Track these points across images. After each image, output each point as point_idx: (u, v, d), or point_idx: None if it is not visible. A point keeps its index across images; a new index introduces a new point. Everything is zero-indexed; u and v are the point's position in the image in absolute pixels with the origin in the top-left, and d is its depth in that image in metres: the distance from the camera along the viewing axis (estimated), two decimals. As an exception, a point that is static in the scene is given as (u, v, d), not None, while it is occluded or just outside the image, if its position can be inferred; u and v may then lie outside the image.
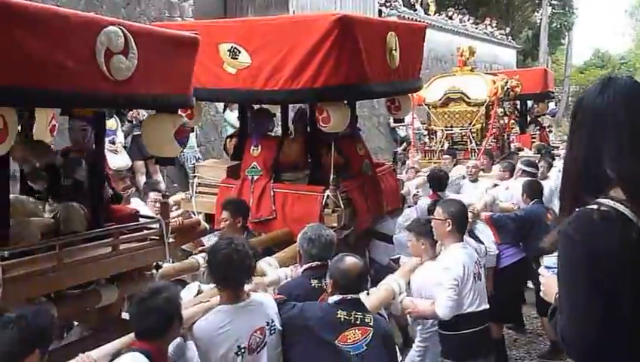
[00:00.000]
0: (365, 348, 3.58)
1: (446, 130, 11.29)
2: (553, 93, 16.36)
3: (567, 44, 45.43)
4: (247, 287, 3.71)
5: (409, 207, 7.77)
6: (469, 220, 5.53)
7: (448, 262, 4.84)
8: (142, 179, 10.41)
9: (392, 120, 17.36)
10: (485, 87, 11.04)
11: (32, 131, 4.66)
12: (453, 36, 26.11)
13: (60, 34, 3.35)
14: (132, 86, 3.75)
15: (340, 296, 3.70)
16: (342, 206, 5.89)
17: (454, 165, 10.22)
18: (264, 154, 6.28)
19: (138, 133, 9.51)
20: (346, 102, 5.99)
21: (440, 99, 11.31)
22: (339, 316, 3.63)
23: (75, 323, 4.44)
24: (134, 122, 9.95)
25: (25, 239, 3.75)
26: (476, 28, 30.63)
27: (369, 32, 5.91)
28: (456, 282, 4.72)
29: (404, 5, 24.18)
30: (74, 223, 4.10)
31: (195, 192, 6.68)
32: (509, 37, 35.26)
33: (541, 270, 2.41)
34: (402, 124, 15.96)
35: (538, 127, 14.94)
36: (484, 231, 6.67)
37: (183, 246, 5.68)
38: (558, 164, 10.69)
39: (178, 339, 3.34)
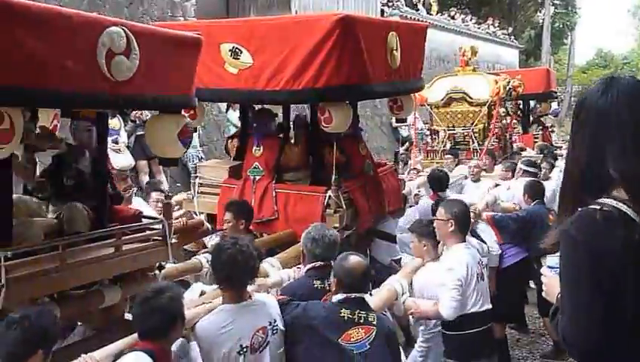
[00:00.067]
0: (368, 346, 3.58)
1: (448, 130, 11.30)
2: (556, 93, 16.34)
3: (569, 44, 45.38)
4: (249, 288, 3.72)
5: (410, 206, 7.77)
6: (471, 220, 5.53)
7: (451, 262, 4.84)
8: (145, 179, 10.43)
9: (394, 120, 17.35)
10: (487, 87, 11.05)
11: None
12: (456, 36, 26.08)
13: (61, 34, 3.34)
14: (132, 86, 3.74)
15: (344, 295, 3.71)
16: (344, 206, 5.89)
17: (456, 165, 10.22)
18: (266, 155, 6.28)
19: (141, 132, 9.53)
20: (347, 102, 5.98)
21: (442, 99, 11.32)
22: (342, 315, 3.63)
23: (79, 323, 4.45)
24: (137, 122, 9.96)
25: (28, 239, 3.75)
26: (479, 28, 30.59)
27: (370, 32, 5.90)
28: (459, 282, 4.73)
29: (406, 5, 24.15)
30: (77, 223, 4.10)
31: (197, 192, 6.69)
32: (512, 37, 35.20)
33: (543, 270, 2.40)
34: (405, 124, 15.94)
35: (540, 127, 14.92)
36: (486, 231, 6.68)
37: (185, 247, 5.68)
38: (561, 164, 10.71)
39: (181, 339, 3.35)
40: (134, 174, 10.28)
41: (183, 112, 4.53)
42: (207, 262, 4.55)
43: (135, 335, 3.16)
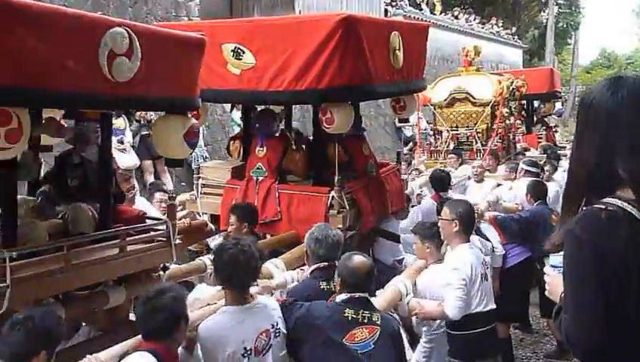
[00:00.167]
0: (373, 346, 3.59)
1: (451, 131, 11.28)
2: (560, 93, 16.32)
3: (573, 44, 45.36)
4: (253, 290, 3.73)
5: (412, 206, 7.78)
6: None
7: (456, 262, 4.85)
8: (150, 179, 10.44)
9: (397, 120, 17.38)
10: (491, 87, 11.03)
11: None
12: (459, 36, 26.06)
13: (63, 34, 3.33)
14: (133, 87, 3.72)
15: (348, 295, 3.72)
16: (347, 207, 5.89)
17: (460, 164, 10.22)
18: (269, 155, 6.27)
19: (146, 132, 9.56)
20: (349, 102, 5.97)
21: (445, 100, 11.29)
22: (346, 314, 3.63)
23: (83, 324, 4.45)
24: (142, 122, 9.97)
25: (33, 240, 3.75)
26: (482, 27, 30.58)
27: (373, 32, 5.89)
28: (464, 282, 4.74)
29: (410, 5, 24.14)
30: (82, 224, 4.11)
31: (200, 193, 6.69)
32: (515, 36, 35.18)
33: (546, 269, 2.40)
34: (408, 124, 15.95)
35: (544, 127, 14.91)
36: (489, 230, 6.70)
37: (189, 247, 5.69)
38: (564, 164, 10.71)
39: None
40: (139, 174, 10.31)
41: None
42: (211, 262, 4.56)
43: (139, 336, 3.17)
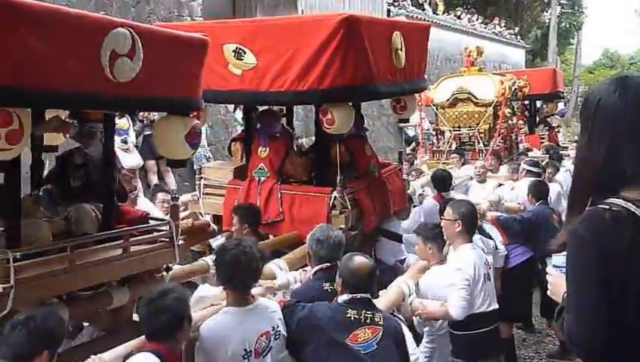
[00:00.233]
0: (376, 346, 3.58)
1: (454, 131, 11.27)
2: (562, 93, 16.29)
3: (576, 44, 45.27)
4: (256, 291, 3.74)
5: (415, 206, 7.78)
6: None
7: (459, 262, 4.87)
8: (153, 179, 10.50)
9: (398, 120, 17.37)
10: (493, 88, 11.03)
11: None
12: (462, 36, 26.04)
13: (66, 34, 3.31)
14: (134, 88, 3.71)
15: (350, 295, 3.71)
16: (349, 207, 5.89)
17: (462, 164, 10.23)
18: (271, 156, 6.26)
19: (149, 132, 9.57)
20: (350, 103, 5.97)
21: (448, 100, 11.29)
22: (349, 315, 3.63)
23: (85, 324, 4.46)
24: (145, 122, 9.99)
25: (37, 240, 3.75)
26: (485, 27, 30.55)
27: (375, 31, 5.87)
28: (468, 282, 4.75)
29: (412, 5, 24.13)
30: (85, 225, 4.11)
31: (202, 194, 6.69)
32: (518, 37, 35.14)
33: (549, 269, 2.41)
34: (409, 124, 15.94)
35: (547, 128, 14.90)
36: (492, 230, 6.70)
37: (192, 248, 5.69)
38: (567, 164, 10.72)
39: None
40: (143, 174, 10.33)
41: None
42: (214, 263, 4.56)
43: (143, 337, 3.18)
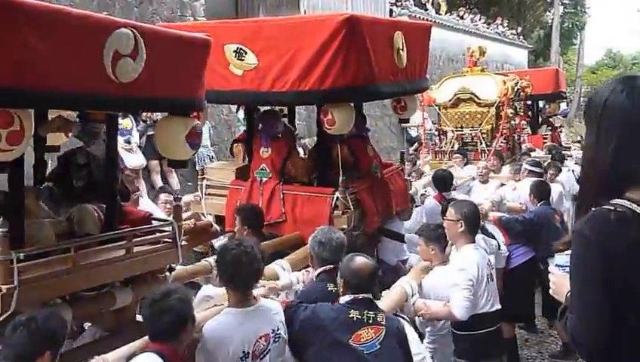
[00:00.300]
0: (379, 346, 3.59)
1: (456, 131, 11.26)
2: (565, 93, 16.30)
3: (578, 44, 45.19)
4: (259, 292, 3.74)
5: (416, 206, 7.78)
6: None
7: (463, 263, 4.87)
8: (157, 178, 10.52)
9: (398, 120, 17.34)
10: (495, 88, 11.02)
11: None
12: (465, 36, 26.05)
13: (68, 35, 3.30)
14: (137, 88, 3.70)
15: (352, 296, 3.72)
16: (351, 207, 5.88)
17: (465, 164, 10.23)
18: (273, 156, 6.25)
19: (152, 132, 9.57)
20: (352, 103, 5.96)
21: (450, 100, 11.27)
22: (351, 315, 3.64)
23: (87, 324, 4.46)
24: (149, 122, 10.00)
25: (40, 241, 3.76)
26: (487, 28, 30.53)
27: (376, 31, 5.85)
28: (471, 282, 4.76)
29: (415, 5, 24.12)
30: (87, 225, 4.11)
31: (205, 194, 6.69)
32: (521, 37, 35.11)
33: (551, 268, 2.41)
34: (409, 124, 15.94)
35: (550, 128, 14.90)
36: (495, 231, 6.71)
37: (195, 248, 5.69)
38: (570, 164, 10.73)
39: None
40: (146, 174, 10.36)
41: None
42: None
43: (146, 337, 3.19)
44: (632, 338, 2.00)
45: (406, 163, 8.83)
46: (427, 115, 12.82)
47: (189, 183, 10.81)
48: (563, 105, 17.67)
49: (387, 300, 4.36)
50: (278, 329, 3.61)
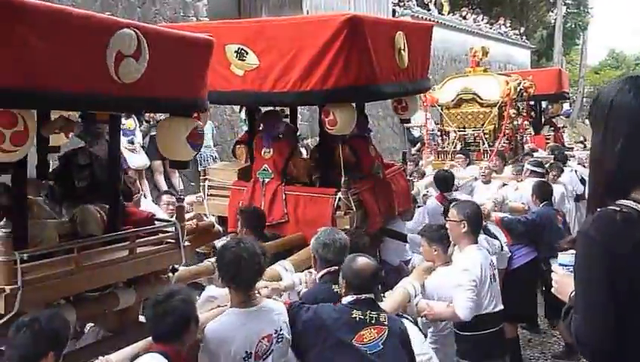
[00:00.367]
0: (382, 346, 3.60)
1: (459, 131, 11.27)
2: (568, 93, 16.28)
3: (581, 44, 45.21)
4: (263, 293, 3.74)
5: (419, 207, 7.78)
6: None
7: (466, 263, 4.88)
8: (160, 179, 10.55)
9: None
10: (498, 88, 11.02)
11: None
12: (467, 36, 26.06)
13: (71, 35, 3.29)
14: (140, 89, 3.68)
15: (354, 296, 3.72)
16: (354, 208, 5.88)
17: (467, 165, 10.23)
18: (275, 157, 6.24)
19: (155, 133, 9.60)
20: (353, 103, 5.95)
21: (453, 100, 11.28)
22: (354, 316, 3.64)
23: (89, 325, 4.46)
24: (152, 122, 10.02)
25: (43, 241, 3.75)
26: (490, 28, 30.54)
27: (378, 31, 5.86)
28: (475, 283, 4.77)
29: (417, 5, 24.12)
30: (89, 226, 4.09)
31: (207, 195, 6.68)
32: (524, 37, 35.13)
33: (554, 267, 2.41)
34: (412, 124, 15.94)
35: (552, 128, 14.89)
36: (497, 231, 6.71)
37: (197, 249, 5.69)
38: (572, 164, 10.73)
39: None
40: (149, 174, 10.39)
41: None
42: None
43: (150, 338, 3.19)
44: (636, 338, 2.00)
45: (408, 163, 8.84)
46: (430, 115, 12.81)
47: (192, 183, 10.83)
48: (566, 106, 17.60)
49: (390, 301, 4.36)
50: (281, 330, 3.61)
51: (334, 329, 3.61)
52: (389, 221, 6.75)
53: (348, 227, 5.65)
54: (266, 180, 6.21)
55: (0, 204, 3.74)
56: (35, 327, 2.90)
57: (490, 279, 4.97)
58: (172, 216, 4.98)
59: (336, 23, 5.44)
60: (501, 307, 5.07)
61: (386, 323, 3.68)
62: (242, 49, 5.81)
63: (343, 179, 5.86)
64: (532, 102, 13.97)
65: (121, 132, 5.32)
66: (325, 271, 4.30)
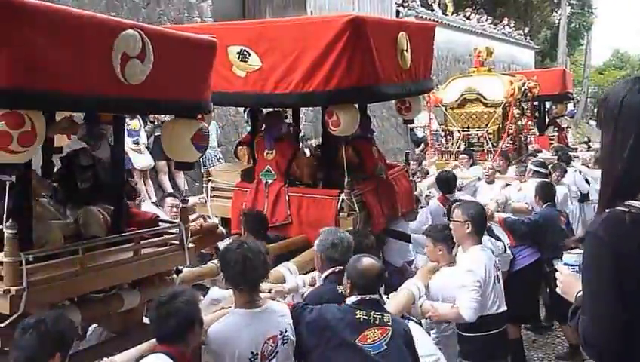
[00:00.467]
0: (385, 347, 3.59)
1: (462, 131, 11.26)
2: (572, 94, 16.26)
3: (585, 45, 45.09)
4: (266, 295, 3.75)
5: (422, 207, 7.78)
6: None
7: (470, 264, 4.87)
8: (164, 179, 10.57)
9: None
10: (502, 88, 11.01)
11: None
12: (471, 36, 26.04)
13: (76, 36, 3.30)
14: (145, 90, 3.69)
15: (359, 297, 3.72)
16: (357, 209, 5.89)
17: (471, 165, 10.22)
18: (278, 158, 6.25)
19: (160, 133, 9.63)
20: (357, 104, 5.95)
21: (457, 100, 11.27)
22: (358, 316, 3.64)
23: (92, 326, 4.47)
24: (156, 123, 10.06)
25: (48, 242, 3.76)
26: (494, 28, 30.50)
27: (381, 32, 5.86)
28: (479, 284, 4.76)
29: (421, 5, 24.11)
30: (92, 228, 4.10)
31: (210, 196, 6.68)
32: (528, 37, 35.06)
33: (559, 266, 2.41)
34: (415, 125, 15.94)
35: (556, 129, 14.86)
36: (500, 232, 6.70)
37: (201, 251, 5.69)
38: (576, 165, 10.71)
39: None
40: (154, 174, 10.41)
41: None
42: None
43: (154, 340, 3.20)
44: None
45: (411, 163, 8.83)
46: (433, 115, 12.81)
47: (197, 184, 10.84)
48: (570, 106, 17.60)
49: (394, 303, 4.36)
50: (286, 332, 3.61)
51: (338, 330, 3.61)
52: (392, 222, 6.76)
53: (351, 228, 5.63)
54: (269, 181, 6.22)
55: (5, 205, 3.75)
56: (42, 329, 2.91)
57: (494, 280, 4.96)
58: (176, 218, 4.98)
59: (339, 24, 5.44)
60: (505, 308, 5.06)
61: (390, 323, 3.68)
62: (244, 50, 5.81)
63: (346, 180, 5.86)
64: (536, 103, 13.95)
65: (126, 132, 5.31)
66: (330, 271, 4.31)
